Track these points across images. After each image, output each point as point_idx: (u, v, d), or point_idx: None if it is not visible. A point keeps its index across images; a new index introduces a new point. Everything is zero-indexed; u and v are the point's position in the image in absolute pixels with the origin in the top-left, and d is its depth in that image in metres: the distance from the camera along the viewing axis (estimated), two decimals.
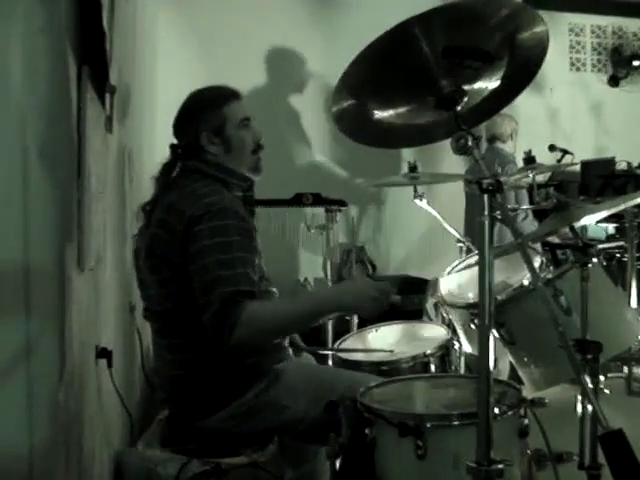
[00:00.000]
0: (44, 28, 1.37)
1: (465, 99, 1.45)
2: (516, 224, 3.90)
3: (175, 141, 2.11)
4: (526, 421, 1.60)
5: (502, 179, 1.33)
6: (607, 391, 3.13)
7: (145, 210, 2.05)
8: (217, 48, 4.49)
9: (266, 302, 1.94)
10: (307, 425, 1.95)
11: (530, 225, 3.94)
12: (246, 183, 2.09)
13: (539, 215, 3.94)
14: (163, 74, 4.17)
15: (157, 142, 3.30)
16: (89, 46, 1.70)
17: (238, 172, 2.06)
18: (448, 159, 4.51)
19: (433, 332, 2.63)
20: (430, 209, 3.22)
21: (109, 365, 2.00)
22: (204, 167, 2.01)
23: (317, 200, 3.38)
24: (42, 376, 1.40)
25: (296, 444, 2.15)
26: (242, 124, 2.07)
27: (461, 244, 3.26)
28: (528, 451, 1.61)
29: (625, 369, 3.57)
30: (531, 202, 3.74)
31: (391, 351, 2.43)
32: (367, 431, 1.59)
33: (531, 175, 3.36)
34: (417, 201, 3.17)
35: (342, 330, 2.84)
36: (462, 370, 2.56)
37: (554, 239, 4.01)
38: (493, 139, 4.23)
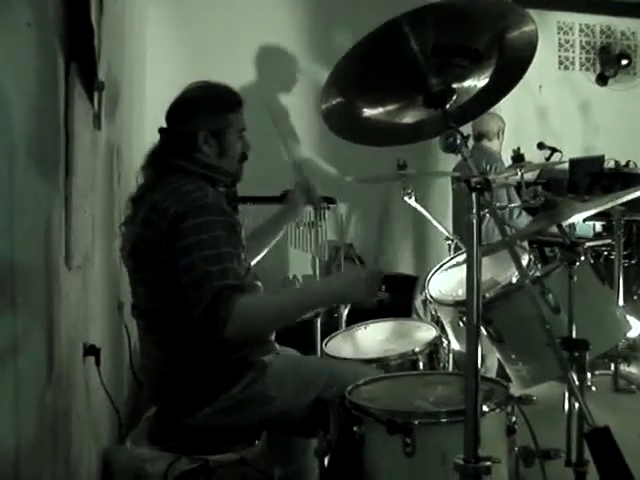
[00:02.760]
0: (31, 23, 1.36)
1: (454, 97, 1.45)
2: (510, 221, 3.91)
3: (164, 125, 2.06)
4: (514, 418, 1.61)
5: (490, 177, 1.33)
6: (594, 388, 3.16)
7: (134, 201, 2.03)
8: (206, 44, 4.47)
9: (258, 294, 1.94)
10: (295, 417, 1.95)
11: (525, 221, 3.96)
12: (229, 179, 2.08)
13: (531, 212, 3.96)
14: (152, 70, 4.15)
15: (146, 139, 3.28)
16: (77, 42, 1.69)
17: (222, 168, 2.05)
18: (437, 157, 4.52)
19: (422, 330, 2.64)
20: (419, 207, 3.23)
21: (97, 363, 2.00)
22: (188, 165, 2.00)
23: None
24: (29, 374, 1.39)
25: (284, 441, 2.16)
26: (239, 134, 2.07)
27: (449, 242, 3.27)
28: (515, 448, 1.62)
29: (612, 366, 3.60)
30: (520, 200, 3.76)
31: None
32: (355, 429, 1.59)
33: (520, 173, 3.37)
34: (406, 199, 3.18)
35: (331, 328, 2.84)
36: (450, 367, 2.57)
37: (542, 237, 4.03)
38: (480, 137, 4.24)
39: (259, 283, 2.09)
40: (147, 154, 2.06)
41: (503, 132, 4.29)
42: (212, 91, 2.05)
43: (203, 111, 2.01)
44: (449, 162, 4.20)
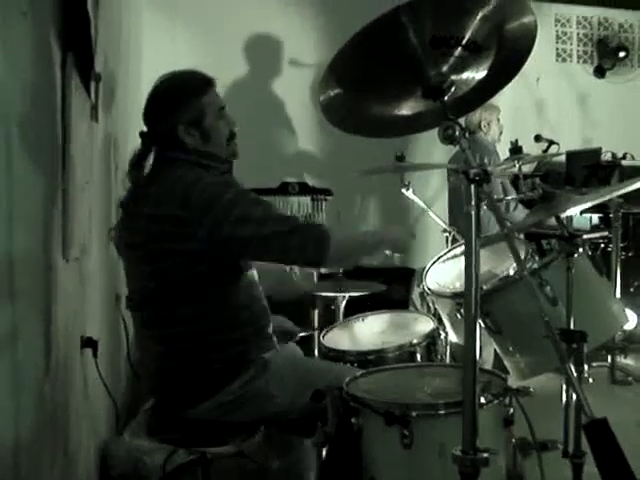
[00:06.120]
0: (27, 13, 1.35)
1: (452, 89, 1.45)
2: (507, 214, 3.91)
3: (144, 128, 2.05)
4: (511, 410, 1.62)
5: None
6: (591, 380, 3.17)
7: (124, 205, 2.03)
8: (203, 35, 4.46)
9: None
10: (293, 415, 1.95)
11: (521, 214, 3.95)
12: (224, 165, 2.07)
13: (528, 204, 3.95)
14: (148, 61, 4.13)
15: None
16: (74, 33, 1.68)
17: (217, 155, 2.04)
18: (435, 148, 4.51)
19: (419, 322, 2.64)
20: (416, 199, 3.23)
21: (95, 355, 1.99)
22: (183, 155, 1.99)
23: (303, 189, 3.38)
24: (27, 366, 1.39)
25: (281, 433, 2.16)
26: (219, 114, 2.04)
27: (447, 234, 3.27)
28: (513, 439, 1.62)
29: (609, 358, 3.61)
30: (517, 192, 3.75)
31: None
32: (353, 420, 1.60)
33: (517, 165, 3.36)
34: (404, 190, 3.18)
35: (328, 320, 2.85)
36: (448, 359, 2.58)
37: (540, 229, 4.03)
38: (467, 130, 4.22)
39: (254, 271, 2.08)
40: (132, 157, 2.03)
41: (489, 124, 4.25)
42: (179, 80, 2.02)
43: (176, 104, 1.98)
44: (448, 153, 4.20)
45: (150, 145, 2.02)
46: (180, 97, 2.00)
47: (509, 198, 3.77)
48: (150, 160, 2.04)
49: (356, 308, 2.88)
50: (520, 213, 3.95)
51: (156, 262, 1.91)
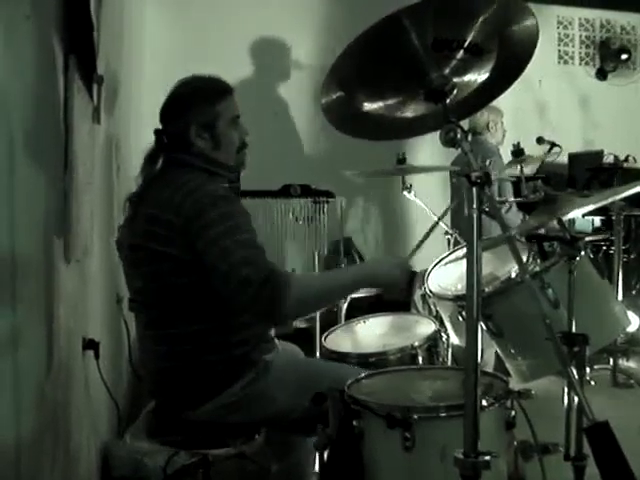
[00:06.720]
0: (30, 16, 1.36)
1: (454, 92, 1.45)
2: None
3: (160, 126, 2.06)
4: (513, 413, 1.61)
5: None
6: (593, 383, 3.16)
7: (132, 201, 2.03)
8: (205, 37, 4.47)
9: (306, 274, 1.95)
10: (294, 416, 1.95)
11: (515, 217, 3.95)
12: (232, 174, 2.08)
13: (523, 207, 3.95)
14: (150, 63, 4.14)
15: (144, 131, 3.27)
16: (76, 35, 1.68)
17: (225, 163, 2.05)
18: (437, 151, 4.51)
19: (421, 324, 2.64)
20: (418, 201, 3.23)
21: (96, 356, 2.00)
22: (191, 159, 1.99)
23: (305, 191, 3.37)
24: (29, 367, 1.39)
25: (282, 435, 2.16)
26: (233, 122, 2.05)
27: (449, 236, 3.27)
28: (514, 442, 1.62)
29: (611, 361, 3.61)
30: (519, 194, 3.75)
31: None
32: (355, 423, 1.59)
33: (519, 167, 3.37)
34: (405, 193, 3.18)
35: (330, 322, 2.84)
36: (449, 362, 2.57)
37: (542, 232, 4.02)
38: (472, 131, 4.22)
39: None
40: (145, 156, 2.05)
41: (496, 125, 4.25)
42: (198, 84, 2.04)
43: (191, 106, 2.00)
44: (449, 155, 4.20)
45: (161, 144, 2.03)
46: (195, 100, 2.01)
47: (505, 200, 3.76)
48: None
49: (358, 310, 2.88)
50: (514, 216, 3.94)
51: (154, 264, 1.91)
